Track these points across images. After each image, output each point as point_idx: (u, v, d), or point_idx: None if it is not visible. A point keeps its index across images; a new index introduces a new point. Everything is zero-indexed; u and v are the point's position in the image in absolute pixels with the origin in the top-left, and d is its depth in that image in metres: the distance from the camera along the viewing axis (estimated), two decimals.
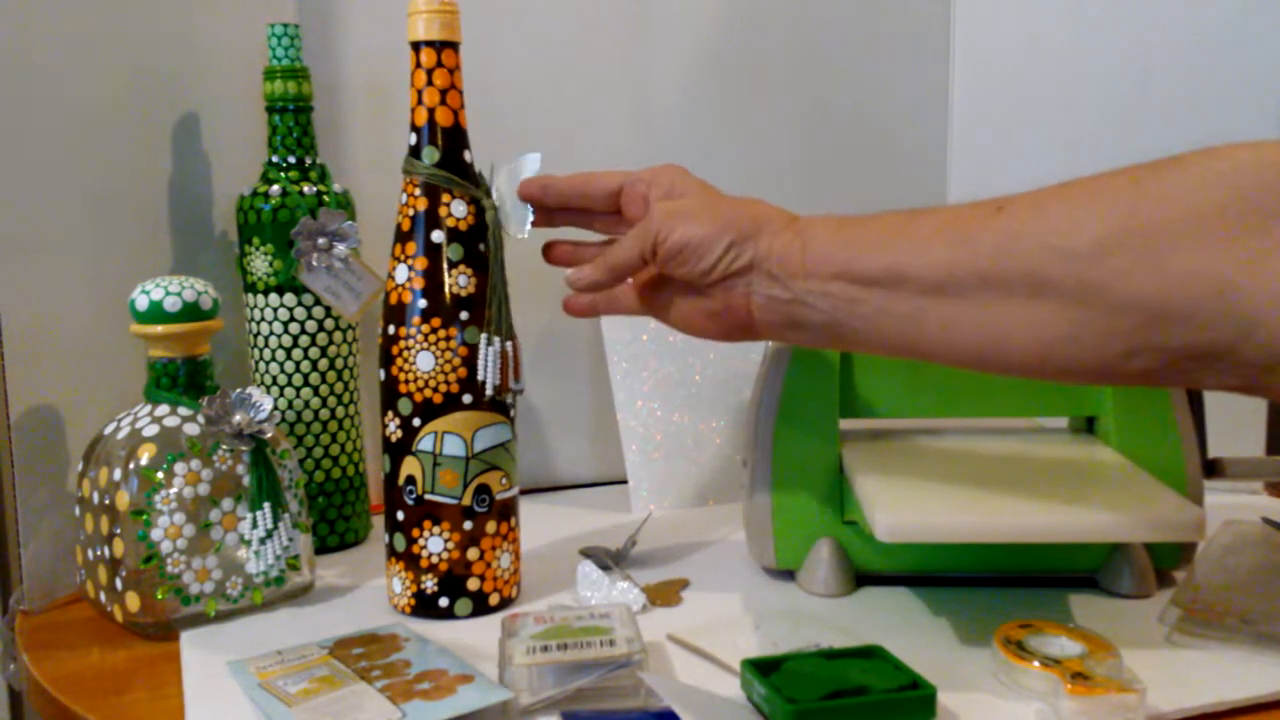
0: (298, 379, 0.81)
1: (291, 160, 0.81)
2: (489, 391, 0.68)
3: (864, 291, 0.55)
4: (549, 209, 0.69)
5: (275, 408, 0.70)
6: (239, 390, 0.69)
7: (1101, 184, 0.49)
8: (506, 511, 0.70)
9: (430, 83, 0.67)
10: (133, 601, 0.67)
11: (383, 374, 0.69)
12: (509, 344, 0.68)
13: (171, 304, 0.69)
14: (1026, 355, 0.51)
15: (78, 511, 0.70)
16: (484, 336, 0.67)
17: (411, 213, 0.68)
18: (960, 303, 0.52)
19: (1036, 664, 0.58)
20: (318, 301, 0.80)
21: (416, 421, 0.67)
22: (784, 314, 0.59)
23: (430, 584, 0.69)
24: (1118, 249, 0.47)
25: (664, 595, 0.73)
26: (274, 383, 0.81)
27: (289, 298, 0.80)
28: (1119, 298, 0.48)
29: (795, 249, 0.57)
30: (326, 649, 0.64)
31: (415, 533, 0.69)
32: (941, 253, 0.52)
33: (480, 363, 0.67)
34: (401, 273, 0.68)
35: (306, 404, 0.81)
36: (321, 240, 0.79)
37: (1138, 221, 0.47)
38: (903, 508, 0.64)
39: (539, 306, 0.94)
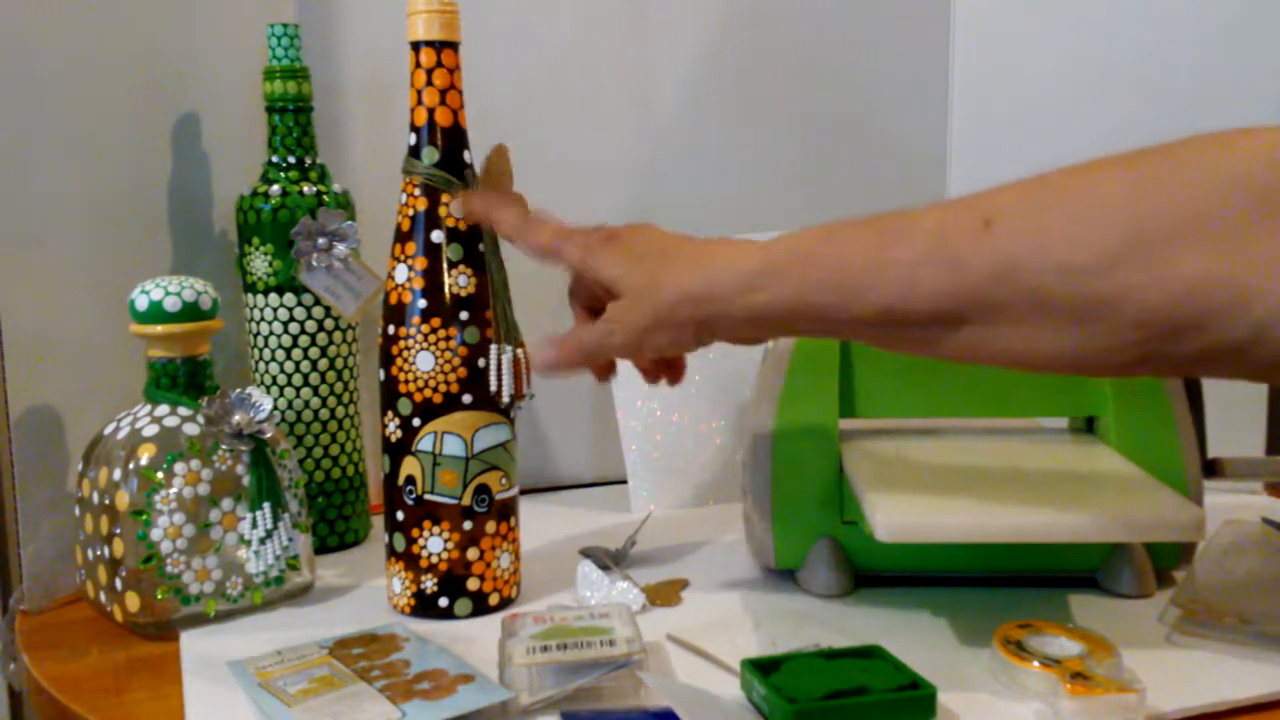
0: (297, 379, 0.81)
1: (291, 160, 0.81)
2: (505, 400, 0.68)
3: (859, 328, 0.53)
4: None
5: (275, 408, 0.70)
6: (239, 390, 0.69)
7: (1098, 187, 0.47)
8: (506, 511, 0.70)
9: (430, 83, 0.67)
10: (132, 601, 0.67)
11: (382, 374, 0.69)
12: (519, 350, 0.68)
13: (171, 304, 0.69)
14: (1036, 363, 0.50)
15: (77, 511, 0.70)
16: (494, 346, 0.67)
17: (411, 213, 0.68)
18: (964, 326, 0.50)
19: (1036, 664, 0.58)
20: (317, 301, 0.80)
21: (416, 421, 0.67)
22: (785, 335, 0.58)
23: (430, 584, 0.69)
24: (1124, 262, 0.45)
25: (664, 595, 0.73)
26: (274, 383, 0.81)
27: (289, 298, 0.80)
28: (1129, 312, 0.45)
29: (759, 306, 0.54)
30: (326, 649, 0.64)
31: (415, 533, 0.69)
32: (934, 285, 0.49)
33: (493, 373, 0.67)
34: (401, 273, 0.68)
35: (306, 404, 0.81)
36: (321, 240, 0.79)
37: (1143, 231, 0.44)
38: (902, 508, 0.64)
39: (538, 307, 0.94)
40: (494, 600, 0.70)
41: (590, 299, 0.63)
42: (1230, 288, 0.43)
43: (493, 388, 0.67)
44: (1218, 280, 0.43)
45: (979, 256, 0.48)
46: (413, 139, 0.68)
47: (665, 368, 0.66)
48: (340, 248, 0.79)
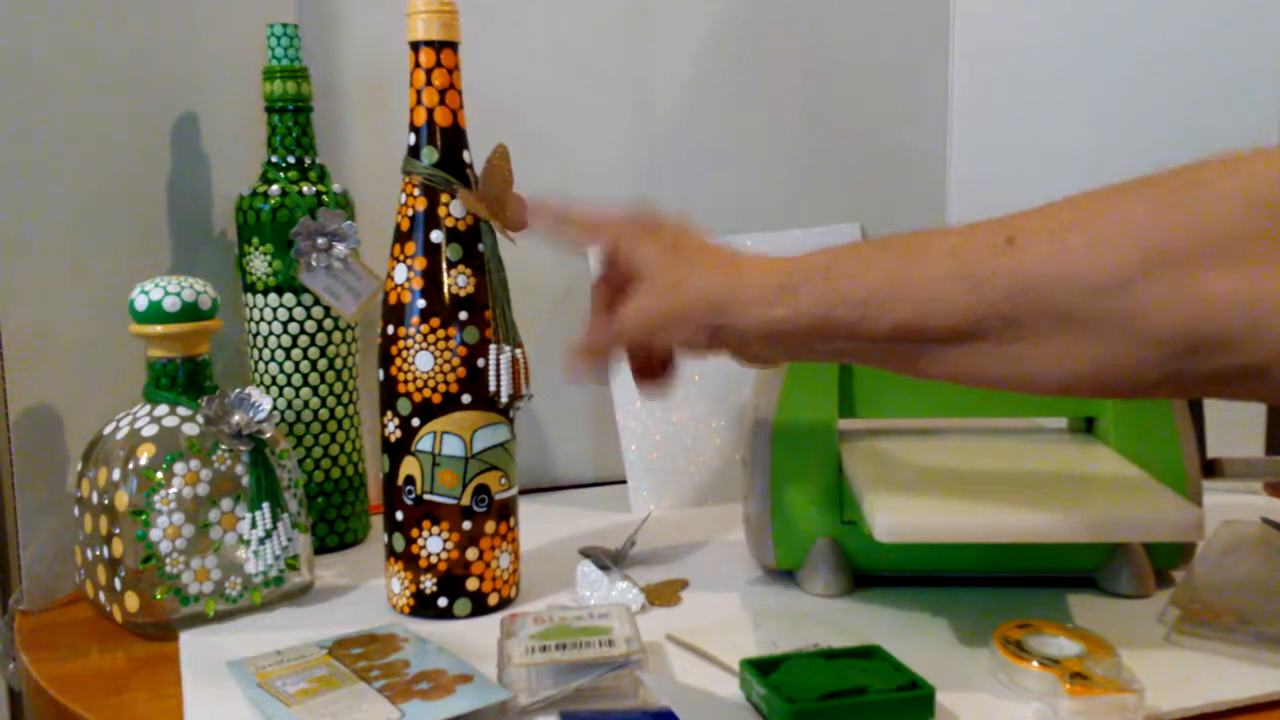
0: (297, 379, 0.81)
1: (291, 160, 0.81)
2: (504, 400, 0.68)
3: (874, 346, 0.53)
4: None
5: (274, 408, 0.70)
6: (238, 390, 0.69)
7: (1118, 209, 0.47)
8: (505, 511, 0.70)
9: (429, 83, 0.67)
10: (132, 601, 0.67)
11: (382, 374, 0.69)
12: (518, 351, 0.68)
13: (171, 304, 0.69)
14: (1054, 385, 0.50)
15: (77, 511, 0.70)
16: (493, 346, 0.67)
17: (410, 213, 0.68)
18: (981, 343, 0.50)
19: (1035, 664, 0.58)
20: (317, 301, 0.80)
21: (415, 421, 0.67)
22: (797, 357, 0.59)
23: (429, 584, 0.69)
24: (1144, 282, 0.45)
25: (663, 595, 0.73)
26: (273, 383, 0.81)
27: (288, 298, 0.80)
28: (1149, 332, 0.46)
29: (776, 320, 0.54)
30: (325, 649, 0.64)
31: (414, 533, 0.69)
32: (954, 300, 0.49)
33: (492, 373, 0.67)
34: (400, 273, 0.68)
35: (306, 404, 0.81)
36: (321, 240, 0.79)
37: (1163, 251, 0.45)
38: (902, 508, 0.64)
39: (537, 307, 0.94)
40: (493, 600, 0.70)
41: (614, 288, 0.63)
42: (1250, 307, 0.43)
43: (492, 388, 0.67)
44: (1237, 299, 0.44)
45: (999, 273, 0.48)
46: (412, 139, 0.68)
47: (657, 375, 0.65)
48: (340, 248, 0.79)
